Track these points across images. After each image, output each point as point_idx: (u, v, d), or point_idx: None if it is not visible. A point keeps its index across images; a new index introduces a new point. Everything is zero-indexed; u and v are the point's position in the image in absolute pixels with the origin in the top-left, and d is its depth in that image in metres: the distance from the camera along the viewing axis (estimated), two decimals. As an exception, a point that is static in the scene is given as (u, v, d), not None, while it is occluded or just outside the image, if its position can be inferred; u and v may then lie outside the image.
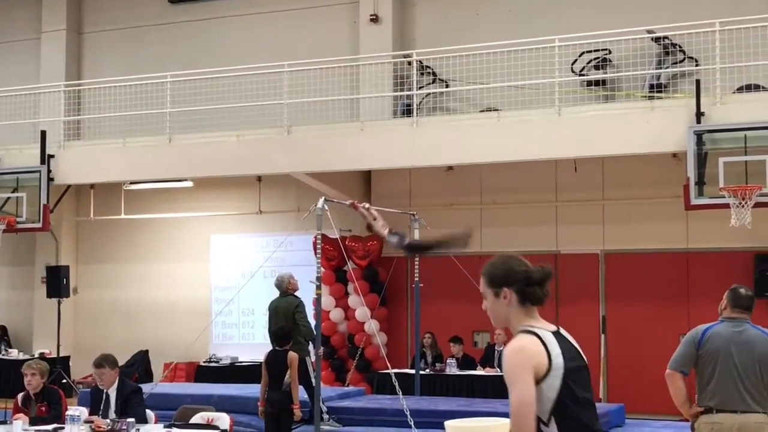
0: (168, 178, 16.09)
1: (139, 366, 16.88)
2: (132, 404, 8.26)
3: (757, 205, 11.28)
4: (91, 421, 7.84)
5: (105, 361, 8.29)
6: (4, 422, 8.22)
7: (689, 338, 6.50)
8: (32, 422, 8.14)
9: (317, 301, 11.01)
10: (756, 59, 12.29)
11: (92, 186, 17.59)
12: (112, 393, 8.29)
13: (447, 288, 14.68)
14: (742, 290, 6.58)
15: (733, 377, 6.26)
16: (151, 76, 15.78)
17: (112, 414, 8.11)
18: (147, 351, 17.15)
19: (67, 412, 7.86)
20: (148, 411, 8.57)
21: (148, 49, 17.93)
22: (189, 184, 16.77)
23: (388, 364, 11.40)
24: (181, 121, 15.36)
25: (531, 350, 3.80)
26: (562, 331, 3.97)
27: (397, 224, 14.39)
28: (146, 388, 11.26)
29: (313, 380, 10.54)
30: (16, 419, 8.10)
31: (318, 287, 10.86)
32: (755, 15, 12.83)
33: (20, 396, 8.63)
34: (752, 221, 11.21)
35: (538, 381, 3.77)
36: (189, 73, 15.67)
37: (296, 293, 11.45)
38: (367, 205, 11.44)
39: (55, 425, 7.98)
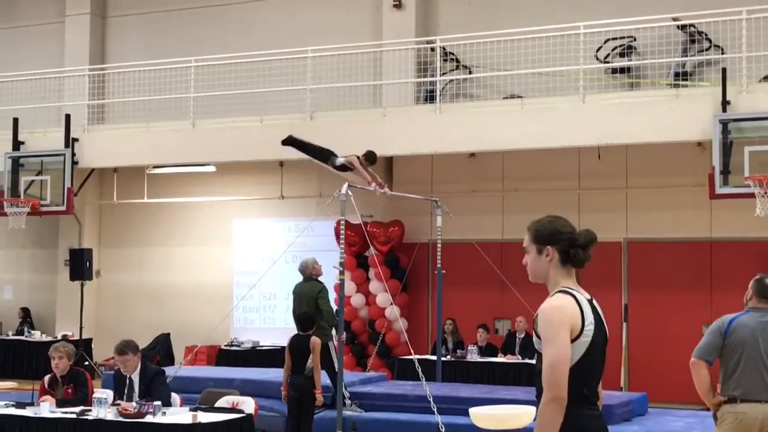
0: (191, 163, 16.15)
1: (161, 349, 16.98)
2: (156, 387, 8.33)
3: (782, 194, 11.22)
4: (118, 404, 7.90)
5: (127, 348, 8.36)
6: (31, 404, 8.29)
7: (715, 328, 6.49)
8: (59, 404, 8.22)
9: (340, 287, 11.03)
10: (783, 48, 12.21)
11: (116, 170, 17.67)
12: (135, 378, 8.37)
13: (469, 275, 14.69)
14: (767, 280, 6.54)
15: (758, 367, 6.27)
16: (174, 61, 15.83)
17: (136, 398, 8.18)
18: (169, 334, 17.25)
19: (94, 395, 7.95)
20: (173, 394, 8.64)
21: (171, 34, 17.96)
22: (212, 168, 16.82)
23: (411, 350, 11.41)
24: (205, 105, 15.41)
25: (569, 310, 3.91)
26: (595, 302, 4.08)
27: (420, 210, 14.46)
28: (170, 371, 11.34)
29: (336, 365, 10.57)
30: (42, 401, 8.18)
31: (341, 273, 10.87)
32: (783, 3, 12.76)
33: (47, 378, 8.70)
34: (777, 211, 11.16)
35: (572, 341, 3.87)
36: (212, 57, 15.70)
37: (320, 278, 11.48)
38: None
39: (82, 407, 8.06)
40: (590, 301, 4.04)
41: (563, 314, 3.88)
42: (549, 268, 4.08)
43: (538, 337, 3.93)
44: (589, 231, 4.09)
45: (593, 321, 3.95)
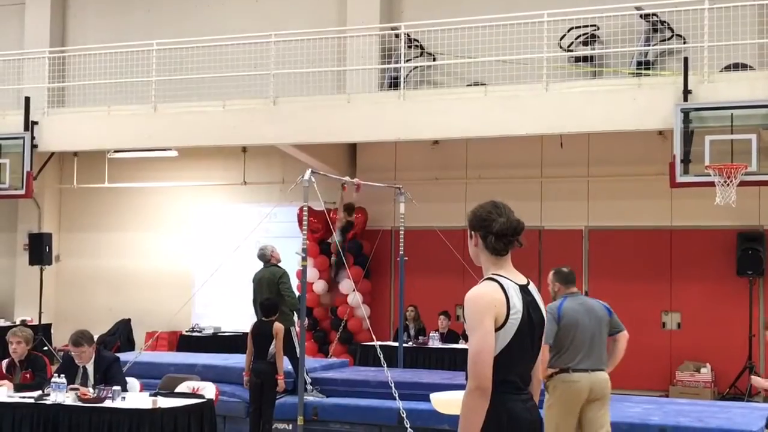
0: (152, 147, 16.01)
1: (121, 335, 16.85)
2: (113, 373, 8.26)
3: (742, 183, 11.33)
4: (77, 389, 7.83)
5: (82, 338, 8.27)
6: (-12, 389, 8.19)
7: (549, 316, 7.32)
8: (17, 389, 8.14)
9: (302, 273, 11.01)
10: (744, 38, 12.32)
11: (76, 154, 17.50)
12: (90, 367, 8.28)
13: (431, 261, 14.71)
14: (565, 269, 7.87)
15: (587, 343, 7.46)
16: (136, 44, 15.67)
17: (90, 387, 8.10)
18: (129, 320, 17.12)
19: (52, 380, 7.86)
20: (133, 379, 8.59)
21: (134, 17, 17.78)
22: (174, 153, 16.69)
23: (373, 336, 11.42)
24: (167, 89, 15.27)
25: (492, 297, 3.90)
26: (532, 286, 4.06)
27: (383, 197, 14.44)
28: (130, 356, 11.27)
29: (297, 351, 10.55)
30: (0, 386, 8.09)
31: (303, 259, 10.84)
32: (744, -7, 12.87)
33: (4, 363, 8.62)
34: (736, 200, 11.26)
35: (497, 328, 3.85)
36: (175, 41, 15.55)
37: (279, 264, 11.44)
38: (357, 181, 11.62)
39: (39, 392, 7.98)
40: (524, 287, 4.02)
41: (486, 302, 3.87)
42: (478, 253, 4.10)
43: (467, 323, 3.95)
44: (511, 220, 4.07)
45: (521, 308, 3.93)
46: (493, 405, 3.84)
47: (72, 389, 7.85)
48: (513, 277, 4.03)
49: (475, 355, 3.80)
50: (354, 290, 13.78)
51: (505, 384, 3.89)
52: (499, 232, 4.03)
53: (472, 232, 4.10)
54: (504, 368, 3.87)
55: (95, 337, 9.03)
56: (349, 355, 14.41)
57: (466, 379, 3.87)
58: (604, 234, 14.66)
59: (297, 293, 11.42)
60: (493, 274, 4.01)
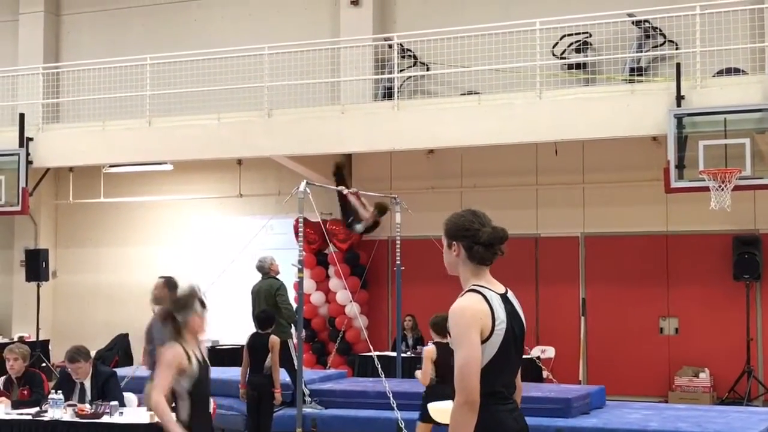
0: (148, 161, 16.02)
1: (119, 349, 16.82)
2: (110, 389, 8.26)
3: (737, 188, 11.35)
4: (74, 405, 7.83)
5: (78, 355, 8.27)
6: (-15, 406, 8.17)
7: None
8: (14, 406, 8.12)
9: (299, 285, 11.01)
10: (736, 43, 12.37)
11: (71, 169, 17.49)
12: (87, 382, 8.28)
13: (428, 271, 14.65)
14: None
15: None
16: (130, 59, 15.70)
17: (88, 402, 8.09)
18: (127, 334, 17.07)
19: (50, 396, 7.85)
20: (130, 394, 8.58)
21: (127, 32, 17.80)
22: (169, 167, 16.69)
23: (371, 347, 11.41)
24: (161, 104, 15.29)
25: (476, 309, 3.87)
26: (510, 294, 4.04)
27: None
28: (128, 371, 11.26)
29: (295, 363, 10.54)
30: (-2, 403, 8.08)
31: (300, 270, 10.85)
32: (735, -1, 12.92)
33: (2, 380, 8.61)
34: (731, 204, 11.28)
35: (483, 340, 3.83)
36: (168, 55, 15.58)
37: (278, 276, 11.44)
38: (355, 190, 11.66)
39: (37, 409, 7.97)
40: (504, 295, 4.00)
41: (472, 315, 3.84)
42: (458, 263, 4.06)
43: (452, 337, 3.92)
44: (497, 229, 4.04)
45: (505, 318, 3.91)
46: (482, 417, 3.82)
47: (69, 405, 7.84)
48: (493, 287, 4.02)
49: (463, 368, 3.78)
50: (351, 301, 13.78)
51: (493, 395, 3.88)
52: (487, 241, 4.00)
53: (454, 242, 4.06)
54: (491, 379, 3.85)
55: (93, 353, 9.04)
56: (348, 366, 14.40)
57: (454, 392, 3.85)
58: (601, 240, 14.67)
59: (294, 305, 11.42)
60: (474, 285, 3.98)
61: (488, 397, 3.84)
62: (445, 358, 8.35)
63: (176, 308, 5.73)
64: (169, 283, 9.29)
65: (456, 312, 3.87)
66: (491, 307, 3.89)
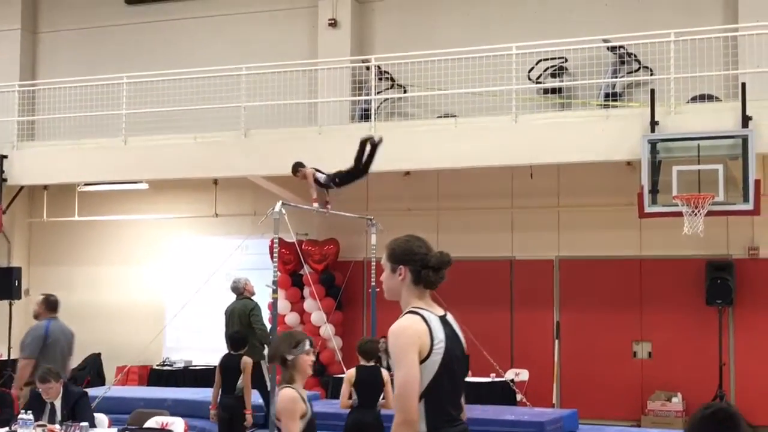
0: (123, 180, 15.95)
1: (92, 369, 16.69)
2: (81, 409, 8.19)
3: (710, 213, 11.43)
4: (44, 425, 7.75)
5: (49, 375, 8.19)
6: (-46, 426, 8.08)
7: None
8: (-17, 426, 8.03)
9: (273, 305, 10.98)
10: (710, 70, 12.48)
11: (46, 187, 17.40)
12: (57, 402, 8.20)
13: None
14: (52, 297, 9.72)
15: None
16: (106, 77, 15.65)
17: (58, 423, 8.01)
18: (99, 354, 16.97)
19: (19, 416, 7.77)
20: (101, 415, 8.51)
21: (104, 50, 17.77)
22: (144, 186, 16.63)
23: (344, 368, 11.36)
24: (137, 122, 15.25)
25: (415, 329, 3.92)
26: (449, 317, 4.12)
27: (355, 228, 14.44)
28: (99, 391, 11.18)
29: (268, 384, 10.49)
30: (-34, 423, 7.99)
31: (274, 291, 10.82)
32: (709, 26, 13.06)
33: (-29, 399, 8.51)
34: (704, 229, 11.36)
35: (421, 361, 3.88)
36: (145, 74, 15.56)
37: (252, 297, 11.40)
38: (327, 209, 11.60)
39: (6, 429, 7.88)
40: (442, 317, 4.07)
41: (410, 335, 3.90)
42: (401, 287, 4.11)
43: (389, 357, 4.00)
44: (444, 254, 4.14)
45: (443, 338, 3.97)
46: None
47: (39, 426, 7.76)
48: (433, 309, 4.08)
49: (401, 387, 3.84)
50: (326, 322, 13.75)
51: (438, 415, 3.92)
52: (435, 265, 4.08)
53: (400, 267, 4.10)
54: (435, 399, 3.90)
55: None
56: (322, 388, 14.35)
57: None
58: (575, 264, 14.73)
59: (268, 325, 11.38)
60: (414, 307, 4.04)
61: (434, 418, 3.89)
62: (367, 382, 8.42)
63: (286, 348, 5.49)
64: (47, 301, 9.78)
65: (395, 332, 3.93)
66: (429, 327, 3.95)
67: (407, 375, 3.83)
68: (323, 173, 11.71)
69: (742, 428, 3.07)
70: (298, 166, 11.83)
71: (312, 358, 5.51)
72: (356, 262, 15.12)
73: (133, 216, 17.34)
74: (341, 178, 11.64)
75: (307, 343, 5.46)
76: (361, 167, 11.52)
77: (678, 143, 11.89)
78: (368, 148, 11.40)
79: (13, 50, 18.16)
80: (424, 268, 4.06)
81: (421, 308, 4.03)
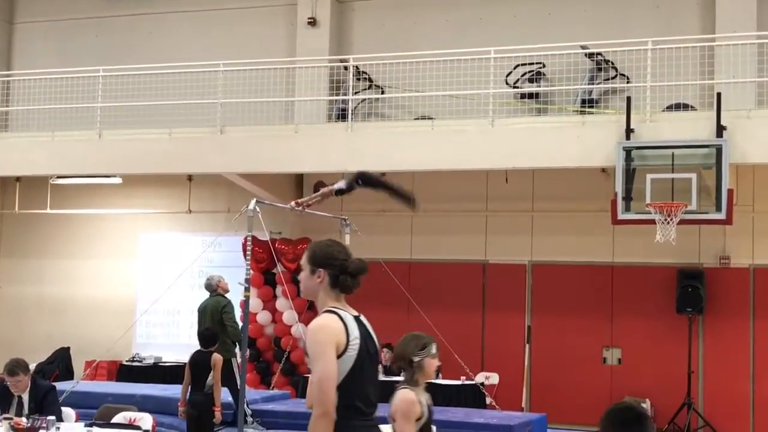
0: (96, 174, 15.85)
1: (60, 363, 16.58)
2: (48, 403, 8.13)
3: (682, 222, 11.50)
4: (10, 418, 7.68)
5: (17, 368, 8.13)
6: None
7: None
8: (-51, 418, 7.95)
9: (245, 303, 10.94)
10: (686, 79, 12.56)
11: (18, 179, 17.27)
12: (25, 396, 8.15)
13: (376, 294, 14.58)
14: None
15: None
16: (82, 70, 15.53)
17: (25, 416, 7.95)
18: (68, 348, 16.86)
19: (-16, 410, 7.71)
20: (69, 409, 8.44)
21: (81, 43, 17.65)
22: (118, 180, 16.54)
23: (315, 368, 11.35)
24: (112, 116, 15.14)
25: (333, 327, 4.13)
26: (363, 318, 4.33)
27: (329, 228, 14.41)
28: (67, 385, 11.10)
29: (238, 382, 10.46)
30: (-69, 415, 7.90)
31: (246, 289, 10.78)
32: (687, 35, 13.14)
33: (-63, 392, 8.41)
34: (676, 237, 11.43)
35: (338, 356, 4.08)
36: (122, 68, 15.46)
37: (226, 294, 11.37)
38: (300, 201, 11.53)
39: (-28, 422, 7.81)
40: (357, 318, 4.25)
41: (328, 332, 4.09)
42: (319, 288, 4.29)
43: (308, 355, 4.13)
44: (361, 261, 4.32)
45: (359, 336, 4.16)
46: (340, 430, 4.02)
47: (5, 419, 7.69)
48: (348, 310, 4.27)
49: (320, 381, 4.00)
50: (298, 321, 13.72)
51: (350, 409, 4.08)
52: (353, 271, 4.26)
53: (320, 270, 4.26)
54: (348, 394, 4.06)
55: (33, 366, 8.91)
56: (292, 387, 14.33)
57: (310, 407, 4.09)
58: (547, 269, 14.79)
59: (240, 323, 11.34)
60: (331, 307, 4.22)
61: (346, 411, 4.05)
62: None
63: (414, 350, 5.34)
64: None
65: (314, 330, 4.13)
66: (346, 325, 4.14)
67: (325, 370, 4.00)
68: (340, 182, 11.56)
69: (647, 428, 3.30)
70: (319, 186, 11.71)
71: (437, 362, 5.48)
72: (329, 262, 15.06)
73: (106, 210, 17.24)
74: (365, 180, 11.48)
75: (434, 346, 5.42)
76: (387, 188, 11.41)
77: (653, 151, 11.95)
78: (402, 198, 11.36)
79: (-12, 40, 18.02)
80: (342, 273, 4.24)
81: (338, 308, 4.21)
